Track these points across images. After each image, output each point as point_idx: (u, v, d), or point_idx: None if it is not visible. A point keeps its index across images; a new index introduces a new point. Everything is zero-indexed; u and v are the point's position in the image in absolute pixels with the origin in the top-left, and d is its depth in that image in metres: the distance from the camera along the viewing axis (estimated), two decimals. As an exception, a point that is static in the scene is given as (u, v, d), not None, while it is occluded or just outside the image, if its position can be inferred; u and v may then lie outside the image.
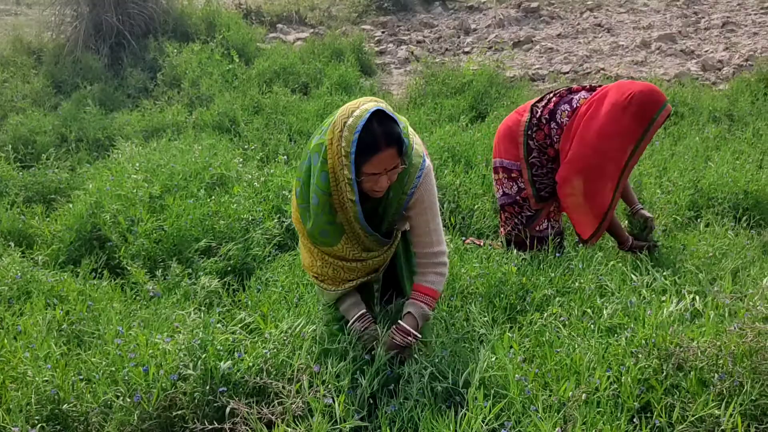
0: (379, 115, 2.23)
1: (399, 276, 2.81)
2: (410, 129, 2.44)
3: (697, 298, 2.65)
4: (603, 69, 9.34)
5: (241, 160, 5.17)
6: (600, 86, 3.62)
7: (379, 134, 2.21)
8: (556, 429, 1.80)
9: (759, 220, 4.40)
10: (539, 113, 3.64)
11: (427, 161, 2.48)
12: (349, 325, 2.52)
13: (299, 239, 2.62)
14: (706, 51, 10.31)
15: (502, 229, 3.94)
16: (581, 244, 3.62)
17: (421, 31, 12.51)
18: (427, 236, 2.56)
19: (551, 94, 3.70)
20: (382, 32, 12.13)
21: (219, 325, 2.50)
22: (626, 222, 3.85)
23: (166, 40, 8.78)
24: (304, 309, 2.93)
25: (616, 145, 3.40)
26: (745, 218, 4.34)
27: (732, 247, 3.64)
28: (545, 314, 2.76)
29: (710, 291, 2.68)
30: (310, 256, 2.58)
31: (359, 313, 2.55)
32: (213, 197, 4.39)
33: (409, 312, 2.52)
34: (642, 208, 3.78)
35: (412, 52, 10.48)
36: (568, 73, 9.32)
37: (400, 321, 2.50)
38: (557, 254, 3.45)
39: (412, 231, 2.57)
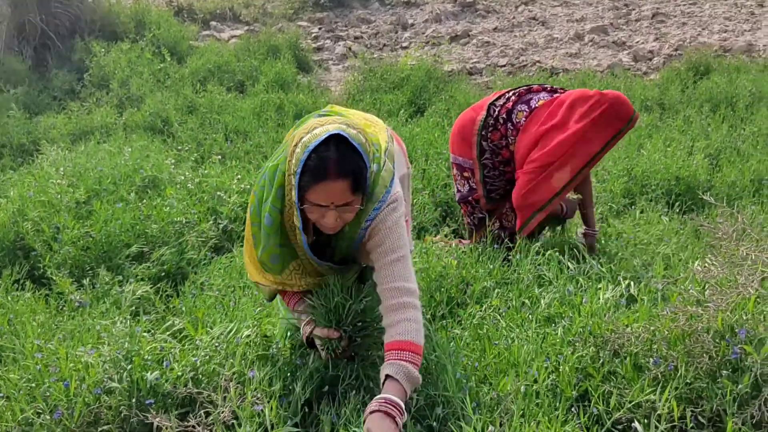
0: (339, 140, 1.91)
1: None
2: (391, 152, 2.15)
3: (632, 284, 2.67)
4: (538, 61, 9.46)
5: (173, 161, 5.00)
6: (561, 89, 3.55)
7: (330, 160, 1.88)
8: (489, 428, 1.76)
9: (691, 206, 4.50)
10: (496, 112, 3.52)
11: (394, 191, 2.10)
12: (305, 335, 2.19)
13: (245, 249, 2.31)
14: (637, 42, 10.57)
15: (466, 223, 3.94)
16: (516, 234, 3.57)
17: (359, 27, 12.45)
18: (388, 268, 2.05)
19: (510, 93, 3.59)
20: (319, 29, 12.01)
21: (147, 333, 2.38)
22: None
23: (93, 40, 8.49)
24: (240, 313, 2.83)
25: (578, 152, 3.28)
26: (677, 204, 4.44)
27: (666, 232, 3.71)
28: (484, 306, 2.74)
29: (644, 277, 2.71)
30: (254, 269, 2.28)
31: (306, 320, 2.20)
32: (144, 201, 4.24)
33: (388, 376, 1.89)
34: (592, 234, 3.63)
35: (350, 48, 10.41)
36: (504, 66, 9.41)
37: (382, 395, 1.85)
38: (495, 246, 3.44)
39: (375, 273, 2.11)
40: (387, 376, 1.89)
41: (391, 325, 2.00)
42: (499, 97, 3.60)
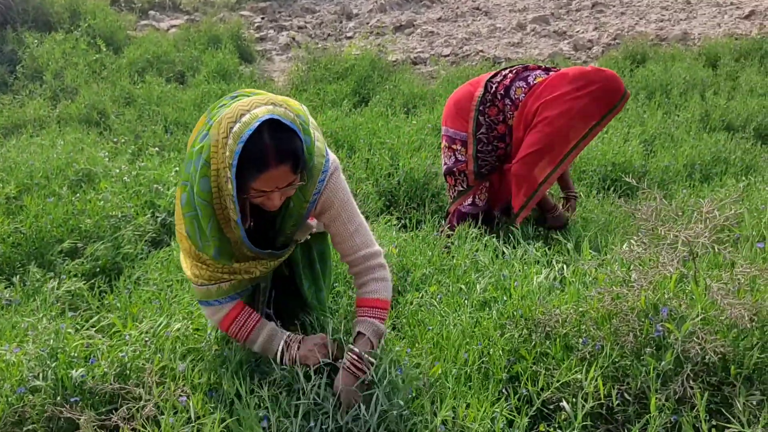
0: (272, 125, 1.85)
1: (298, 283, 2.48)
2: (312, 122, 2.07)
3: (565, 266, 2.73)
4: (482, 51, 9.55)
5: (107, 154, 4.86)
6: (554, 68, 3.69)
7: (269, 149, 1.84)
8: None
9: (626, 190, 4.61)
10: (494, 89, 3.64)
11: (332, 157, 2.11)
12: (280, 360, 2.11)
13: (181, 248, 2.17)
14: (578, 31, 10.76)
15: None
16: (512, 217, 3.68)
17: (303, 17, 12.33)
18: (350, 240, 2.16)
19: (506, 71, 3.70)
20: (262, 18, 11.85)
21: (72, 330, 2.31)
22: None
23: (26, 31, 8.18)
24: (175, 307, 2.78)
25: (574, 126, 3.42)
26: (612, 189, 4.54)
27: (600, 215, 3.79)
28: (422, 293, 2.76)
29: (577, 259, 2.77)
30: (187, 261, 2.17)
31: (283, 340, 2.13)
32: (78, 195, 4.12)
33: (359, 333, 2.10)
34: (573, 197, 3.91)
35: (294, 38, 10.31)
36: (448, 56, 9.47)
37: (351, 345, 2.09)
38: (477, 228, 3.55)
39: (333, 239, 2.21)
40: (358, 333, 2.11)
41: (362, 286, 2.19)
42: (495, 74, 3.71)
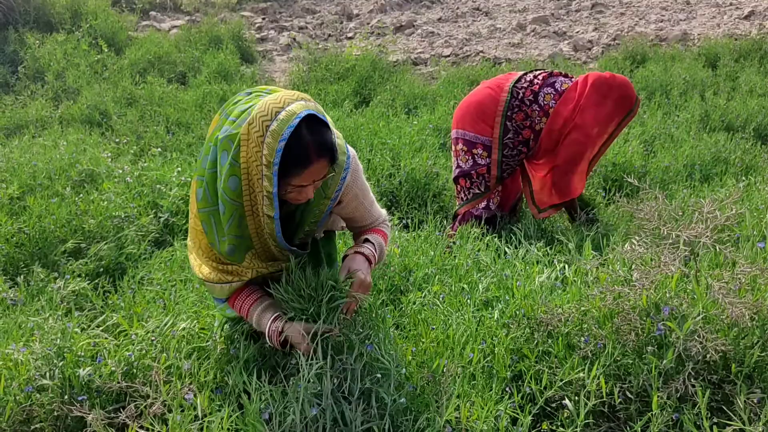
0: (309, 121, 1.87)
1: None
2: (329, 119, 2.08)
3: (567, 266, 2.75)
4: (482, 51, 9.57)
5: (110, 155, 4.89)
6: (570, 75, 3.79)
7: (310, 145, 1.87)
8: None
9: (627, 191, 4.63)
10: (521, 94, 3.70)
11: (351, 152, 2.15)
12: (267, 336, 2.08)
13: (190, 241, 2.17)
14: (577, 32, 10.78)
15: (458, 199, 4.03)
16: (535, 212, 3.83)
17: (303, 17, 12.36)
18: (369, 216, 2.32)
19: (530, 76, 3.77)
20: (263, 19, 11.88)
21: (78, 330, 2.33)
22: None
23: (28, 31, 8.22)
24: (179, 307, 2.80)
25: (601, 131, 3.59)
26: (613, 189, 4.56)
27: (601, 215, 3.81)
28: (424, 292, 2.77)
29: (578, 259, 2.79)
30: (197, 260, 2.16)
31: (272, 317, 2.08)
32: (81, 195, 4.14)
33: (366, 239, 2.24)
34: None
35: (294, 39, 10.33)
36: (449, 56, 9.49)
37: (363, 242, 2.22)
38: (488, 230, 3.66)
39: (351, 221, 2.33)
40: (366, 239, 2.24)
41: (370, 226, 2.34)
42: (519, 79, 3.77)
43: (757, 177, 4.46)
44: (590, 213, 3.85)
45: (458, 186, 3.93)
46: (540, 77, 3.75)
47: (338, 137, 2.09)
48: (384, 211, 2.41)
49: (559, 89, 3.66)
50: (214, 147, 1.95)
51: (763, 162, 4.95)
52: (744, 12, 11.72)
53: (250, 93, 2.02)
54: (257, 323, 2.11)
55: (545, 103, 3.65)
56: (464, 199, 3.91)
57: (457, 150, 3.88)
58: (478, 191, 3.84)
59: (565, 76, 3.77)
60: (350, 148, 2.16)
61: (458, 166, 3.88)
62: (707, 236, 2.10)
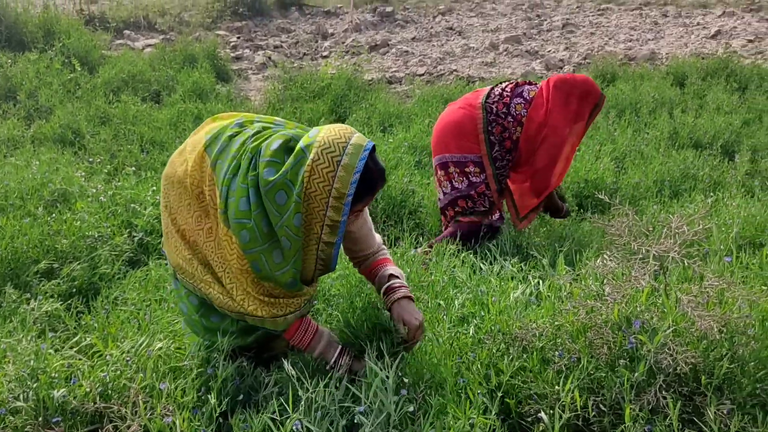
0: (372, 151, 2.05)
1: None
2: None
3: (541, 281, 2.79)
4: (456, 70, 9.69)
5: (83, 174, 4.85)
6: (535, 82, 3.91)
7: (377, 174, 2.07)
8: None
9: (599, 207, 4.71)
10: (494, 109, 3.80)
11: None
12: (334, 367, 2.25)
13: (227, 279, 2.16)
14: (549, 51, 10.97)
15: (445, 229, 4.03)
16: (516, 222, 3.93)
17: (279, 36, 12.41)
18: (371, 236, 2.47)
19: (497, 90, 3.87)
20: (238, 38, 11.90)
21: (52, 351, 2.31)
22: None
23: (0, 50, 8.12)
24: (155, 327, 2.78)
25: (573, 129, 3.71)
26: (587, 205, 4.64)
27: (574, 231, 3.87)
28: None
29: (552, 274, 2.83)
30: (249, 300, 2.16)
31: (338, 350, 2.29)
32: (54, 215, 4.10)
33: (391, 274, 2.40)
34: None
35: (270, 57, 10.36)
36: (423, 75, 9.59)
37: (389, 283, 2.37)
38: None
39: (354, 242, 2.45)
40: (391, 275, 2.40)
41: (370, 257, 2.48)
42: (488, 95, 3.86)
43: (725, 193, 4.57)
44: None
45: (456, 208, 3.93)
46: (508, 89, 3.86)
47: None
48: (379, 237, 2.54)
49: (527, 97, 3.79)
50: (253, 189, 1.99)
51: (731, 178, 5.07)
52: (710, 32, 12.04)
53: (241, 124, 2.11)
54: (321, 354, 2.29)
55: (517, 113, 3.76)
56: (471, 214, 3.95)
57: (449, 174, 3.90)
58: (483, 208, 3.90)
59: (531, 84, 3.90)
60: None
61: (453, 188, 3.91)
62: (676, 251, 2.15)
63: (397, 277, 2.40)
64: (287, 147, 2.02)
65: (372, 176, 2.05)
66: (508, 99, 3.81)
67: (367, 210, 2.43)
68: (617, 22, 13.51)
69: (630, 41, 11.65)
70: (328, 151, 1.95)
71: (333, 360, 2.26)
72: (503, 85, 3.91)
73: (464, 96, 4.03)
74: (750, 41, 11.16)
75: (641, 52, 10.52)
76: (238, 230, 2.01)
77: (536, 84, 3.88)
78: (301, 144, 1.99)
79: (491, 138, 3.81)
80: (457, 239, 3.69)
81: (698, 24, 13.10)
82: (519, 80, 3.97)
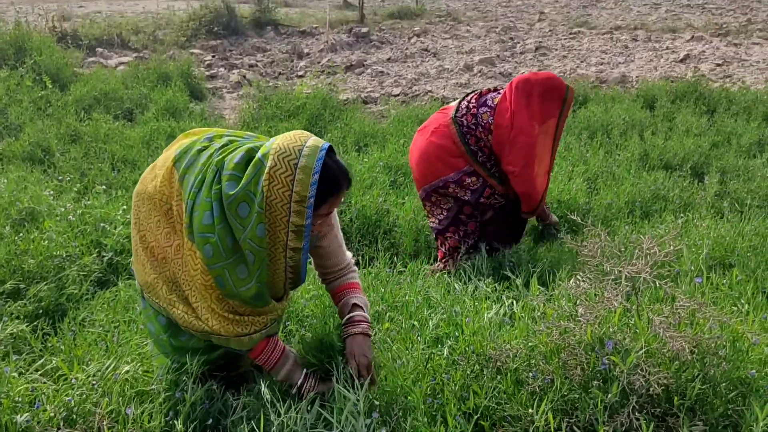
0: (328, 152, 2.01)
1: None
2: None
3: (515, 302, 2.79)
4: (431, 91, 9.76)
5: (52, 192, 4.76)
6: (500, 87, 3.94)
7: (339, 172, 2.03)
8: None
9: (572, 227, 4.74)
10: (465, 122, 3.85)
11: None
12: (298, 389, 2.27)
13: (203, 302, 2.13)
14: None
15: (441, 251, 4.05)
16: (525, 214, 4.00)
17: (254, 56, 12.41)
18: (340, 252, 2.46)
19: (463, 103, 3.91)
20: (213, 56, 11.88)
21: (16, 374, 2.24)
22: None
23: (-32, 67, 8.01)
24: (122, 349, 2.72)
25: (543, 129, 3.72)
26: (559, 225, 4.66)
27: (546, 252, 3.89)
28: (375, 330, 2.77)
29: (526, 295, 2.83)
30: (212, 318, 2.12)
31: (304, 373, 2.30)
32: (21, 234, 4.01)
33: (355, 304, 2.41)
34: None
35: (245, 76, 10.34)
36: (398, 95, 9.64)
37: (351, 314, 2.38)
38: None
39: (324, 257, 2.44)
40: (354, 305, 2.40)
41: (339, 277, 2.48)
42: (456, 111, 3.90)
43: (695, 214, 4.63)
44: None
45: (461, 216, 3.97)
46: (473, 100, 3.90)
47: None
48: (350, 254, 2.53)
49: (491, 105, 3.83)
50: (216, 202, 1.97)
51: (700, 199, 5.15)
52: (680, 55, 12.30)
53: (211, 138, 2.11)
54: (285, 377, 2.28)
55: (485, 121, 3.80)
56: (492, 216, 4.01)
57: (448, 193, 3.94)
58: (491, 212, 3.99)
59: (494, 90, 3.94)
60: None
61: (462, 201, 3.94)
62: (647, 272, 2.16)
63: (361, 307, 2.40)
64: (248, 159, 2.01)
65: (332, 175, 2.01)
66: (475, 110, 3.85)
67: (338, 225, 2.42)
68: (589, 46, 13.74)
69: (601, 64, 11.85)
70: (284, 155, 1.94)
71: (298, 383, 2.26)
72: (469, 97, 3.96)
73: (431, 118, 4.07)
74: (718, 65, 11.42)
75: (612, 74, 10.70)
76: (201, 244, 2.00)
77: (500, 90, 3.92)
78: (258, 154, 1.98)
79: (472, 148, 3.85)
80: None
81: (667, 48, 13.38)
82: (483, 89, 4.01)
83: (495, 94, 3.89)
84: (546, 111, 3.72)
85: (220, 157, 2.05)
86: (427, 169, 3.94)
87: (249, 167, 1.97)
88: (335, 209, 2.29)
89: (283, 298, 2.25)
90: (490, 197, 3.93)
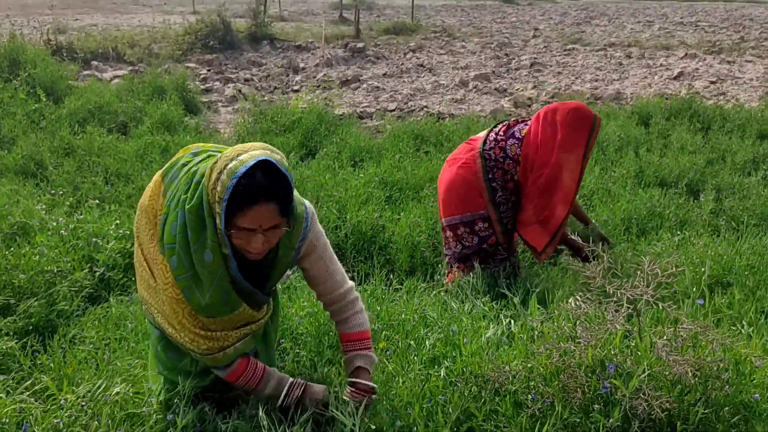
0: (267, 166, 1.89)
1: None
2: None
3: (513, 321, 2.75)
4: (426, 107, 9.76)
5: (44, 206, 4.71)
6: (528, 119, 3.90)
7: (260, 185, 1.89)
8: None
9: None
10: (492, 156, 3.82)
11: (307, 204, 2.22)
12: (282, 402, 2.21)
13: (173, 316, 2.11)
14: (517, 89, 11.15)
15: (448, 278, 3.97)
16: (536, 257, 3.89)
17: (249, 70, 12.42)
18: (331, 279, 2.30)
19: (493, 135, 3.89)
20: (208, 70, 11.87)
21: (4, 394, 2.18)
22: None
23: (-38, 79, 7.97)
24: (114, 368, 2.66)
25: (567, 158, 3.65)
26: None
27: (543, 270, 3.86)
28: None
29: (524, 314, 2.80)
30: (185, 335, 2.12)
31: (288, 384, 2.25)
32: (12, 249, 3.95)
33: (358, 366, 2.29)
34: (596, 226, 4.25)
35: (240, 90, 10.33)
36: (394, 110, 9.65)
37: (354, 380, 2.27)
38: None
39: (312, 281, 2.33)
40: (358, 366, 2.29)
41: (344, 321, 2.35)
42: (484, 143, 3.87)
43: (691, 231, 4.62)
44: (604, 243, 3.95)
45: (467, 263, 3.91)
46: (501, 132, 3.88)
47: (294, 190, 2.11)
48: (349, 282, 2.38)
49: (518, 137, 3.81)
50: (181, 211, 1.97)
51: (696, 216, 5.13)
52: (673, 73, 12.38)
53: (197, 153, 2.09)
54: (271, 395, 2.24)
55: (513, 153, 3.79)
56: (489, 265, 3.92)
57: (458, 234, 3.91)
58: (501, 256, 3.92)
59: (522, 122, 3.92)
60: (307, 202, 2.23)
61: (465, 247, 3.91)
62: (649, 294, 2.13)
63: (367, 370, 2.31)
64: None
65: (251, 184, 1.87)
66: (503, 143, 3.83)
67: (327, 248, 2.30)
68: (583, 62, 13.82)
69: (596, 81, 11.90)
70: (225, 156, 1.93)
71: (283, 394, 2.23)
72: (497, 129, 3.94)
73: (461, 148, 4.05)
74: (712, 83, 11.49)
75: (607, 91, 10.74)
76: (169, 256, 2.01)
77: (528, 121, 3.89)
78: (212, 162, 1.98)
79: (493, 185, 3.83)
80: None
81: (661, 65, 13.47)
82: (510, 121, 3.98)
83: (523, 125, 3.87)
84: (573, 141, 3.67)
85: (195, 168, 2.06)
86: (448, 203, 3.95)
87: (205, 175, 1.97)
88: (310, 235, 2.19)
89: (259, 306, 2.21)
90: (493, 248, 3.90)
